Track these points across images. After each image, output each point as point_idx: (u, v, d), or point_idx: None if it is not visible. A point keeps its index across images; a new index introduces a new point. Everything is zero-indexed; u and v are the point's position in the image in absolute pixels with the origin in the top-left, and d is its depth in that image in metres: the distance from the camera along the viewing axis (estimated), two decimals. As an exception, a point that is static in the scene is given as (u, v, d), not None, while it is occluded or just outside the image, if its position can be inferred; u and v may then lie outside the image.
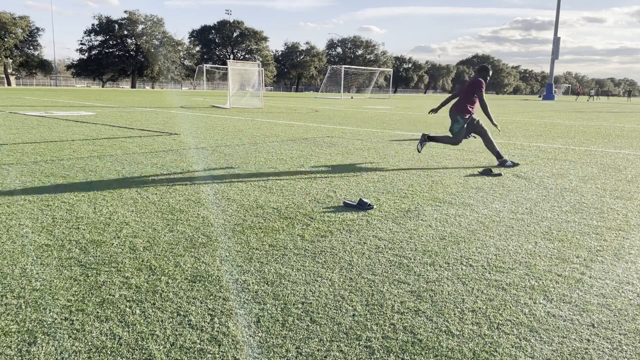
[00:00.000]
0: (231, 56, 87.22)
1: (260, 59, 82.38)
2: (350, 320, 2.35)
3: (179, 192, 4.79)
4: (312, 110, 21.65)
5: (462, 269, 3.03)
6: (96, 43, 75.69)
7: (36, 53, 70.58)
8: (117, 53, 76.02)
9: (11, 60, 67.35)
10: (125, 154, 7.11)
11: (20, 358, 1.96)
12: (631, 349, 2.18)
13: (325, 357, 2.04)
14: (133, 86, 79.17)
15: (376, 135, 11.17)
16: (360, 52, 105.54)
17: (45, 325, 2.20)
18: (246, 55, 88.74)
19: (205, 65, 58.79)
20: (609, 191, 5.52)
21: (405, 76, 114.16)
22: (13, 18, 64.35)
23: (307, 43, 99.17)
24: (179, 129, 11.09)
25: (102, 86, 77.92)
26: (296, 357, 2.04)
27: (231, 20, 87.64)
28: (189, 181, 5.35)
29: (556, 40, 60.30)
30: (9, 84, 64.77)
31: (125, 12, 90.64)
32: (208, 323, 2.28)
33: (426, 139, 7.24)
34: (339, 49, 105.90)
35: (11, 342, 2.07)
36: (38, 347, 2.04)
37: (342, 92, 47.40)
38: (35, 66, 70.28)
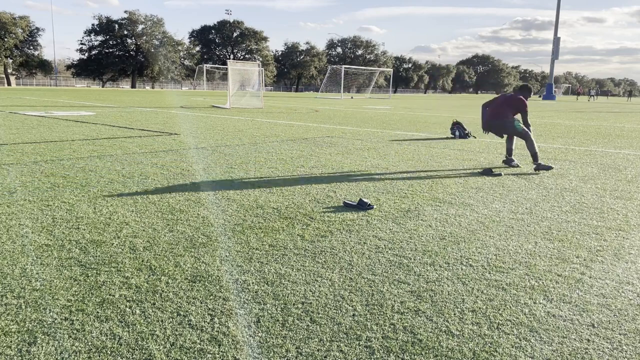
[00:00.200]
0: (231, 56, 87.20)
1: (260, 59, 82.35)
2: (350, 320, 2.35)
3: (179, 192, 4.79)
4: (312, 110, 21.65)
5: (462, 269, 3.03)
6: (96, 43, 75.67)
7: (36, 53, 70.56)
8: (117, 53, 75.98)
9: (11, 60, 67.32)
10: (125, 154, 7.11)
11: (20, 358, 1.96)
12: (631, 349, 2.18)
13: (325, 357, 2.04)
14: (133, 86, 79.16)
15: (376, 135, 11.17)
16: (360, 52, 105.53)
17: (45, 325, 2.20)
18: (246, 55, 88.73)
19: (205, 65, 58.79)
20: (609, 191, 5.52)
21: (405, 76, 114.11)
22: (13, 18, 64.31)
23: (307, 43, 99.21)
24: (179, 129, 11.09)
25: (102, 86, 77.90)
26: (296, 357, 2.03)
27: (231, 20, 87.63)
28: (189, 181, 5.35)
29: (556, 40, 60.31)
30: (9, 84, 64.76)
31: (125, 12, 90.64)
32: (208, 323, 2.28)
33: (536, 158, 6.77)
34: (339, 49, 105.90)
35: (11, 342, 2.07)
36: (38, 347, 2.04)
37: (342, 92, 47.40)
38: (35, 66, 70.25)
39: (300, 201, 4.60)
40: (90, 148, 7.68)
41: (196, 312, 2.37)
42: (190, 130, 10.85)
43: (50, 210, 4.05)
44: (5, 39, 63.51)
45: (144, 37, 75.55)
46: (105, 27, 74.29)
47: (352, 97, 48.43)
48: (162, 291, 2.59)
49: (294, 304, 2.49)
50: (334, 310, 2.44)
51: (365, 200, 4.45)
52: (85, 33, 75.41)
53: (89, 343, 2.08)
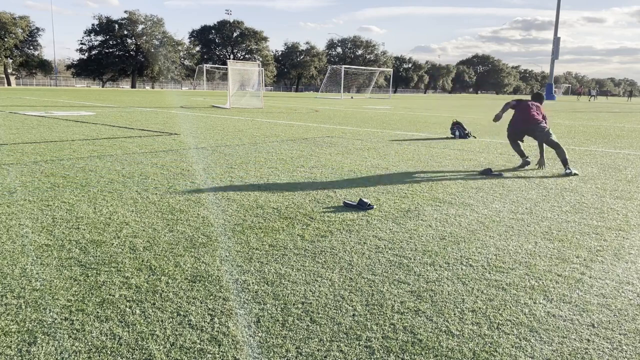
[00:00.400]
0: (231, 56, 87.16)
1: (260, 59, 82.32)
2: (350, 320, 2.35)
3: (179, 192, 4.79)
4: (312, 110, 21.66)
5: (462, 269, 3.03)
6: (96, 43, 75.66)
7: (36, 53, 70.56)
8: (117, 53, 75.97)
9: (11, 60, 67.30)
10: (125, 154, 7.11)
11: (20, 358, 1.96)
12: (631, 349, 2.18)
13: (325, 357, 2.04)
14: (133, 86, 79.15)
15: (376, 135, 11.17)
16: (360, 52, 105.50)
17: (45, 325, 2.20)
18: (246, 55, 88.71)
19: (205, 65, 58.78)
20: (609, 191, 5.52)
21: (405, 76, 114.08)
22: (13, 18, 64.30)
23: (307, 43, 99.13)
24: (179, 129, 11.09)
25: (102, 86, 77.88)
26: (296, 357, 2.04)
27: (231, 20, 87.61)
28: (189, 181, 5.35)
29: (556, 40, 60.26)
30: (9, 84, 64.75)
31: (125, 12, 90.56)
32: (208, 323, 2.28)
33: (566, 163, 6.82)
34: (339, 49, 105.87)
35: (11, 342, 2.07)
36: (38, 347, 2.04)
37: (342, 92, 47.37)
38: (35, 66, 70.25)
39: (300, 201, 4.60)
40: (90, 148, 7.67)
41: (196, 312, 2.37)
42: (190, 130, 10.85)
43: (50, 210, 4.05)
44: (5, 39, 63.50)
45: (144, 37, 75.54)
46: (105, 27, 74.28)
47: (352, 97, 48.42)
48: (162, 291, 2.59)
49: (294, 304, 2.49)
50: (334, 310, 2.44)
51: (365, 200, 4.45)
52: (85, 33, 75.44)
53: (89, 343, 2.08)
